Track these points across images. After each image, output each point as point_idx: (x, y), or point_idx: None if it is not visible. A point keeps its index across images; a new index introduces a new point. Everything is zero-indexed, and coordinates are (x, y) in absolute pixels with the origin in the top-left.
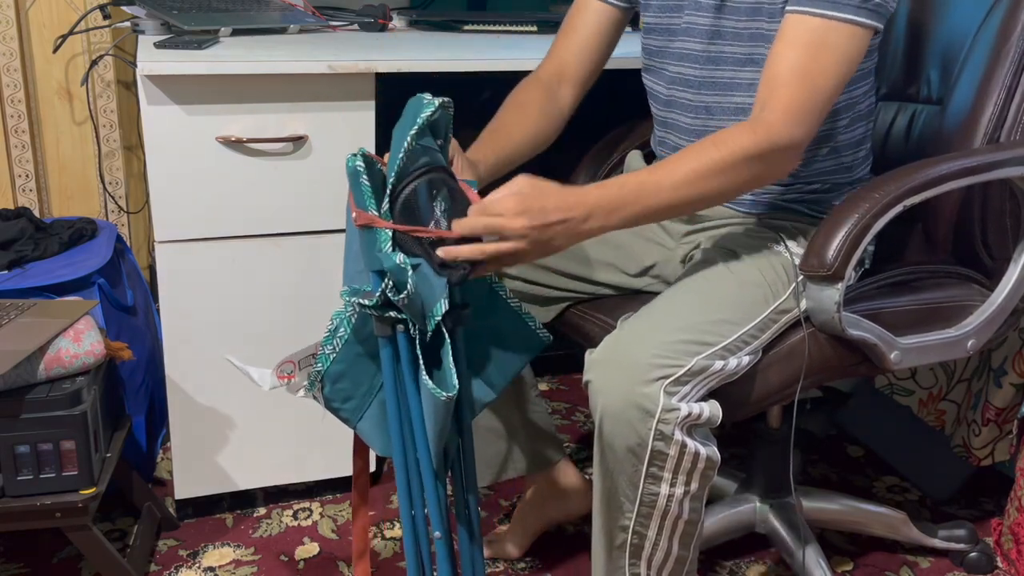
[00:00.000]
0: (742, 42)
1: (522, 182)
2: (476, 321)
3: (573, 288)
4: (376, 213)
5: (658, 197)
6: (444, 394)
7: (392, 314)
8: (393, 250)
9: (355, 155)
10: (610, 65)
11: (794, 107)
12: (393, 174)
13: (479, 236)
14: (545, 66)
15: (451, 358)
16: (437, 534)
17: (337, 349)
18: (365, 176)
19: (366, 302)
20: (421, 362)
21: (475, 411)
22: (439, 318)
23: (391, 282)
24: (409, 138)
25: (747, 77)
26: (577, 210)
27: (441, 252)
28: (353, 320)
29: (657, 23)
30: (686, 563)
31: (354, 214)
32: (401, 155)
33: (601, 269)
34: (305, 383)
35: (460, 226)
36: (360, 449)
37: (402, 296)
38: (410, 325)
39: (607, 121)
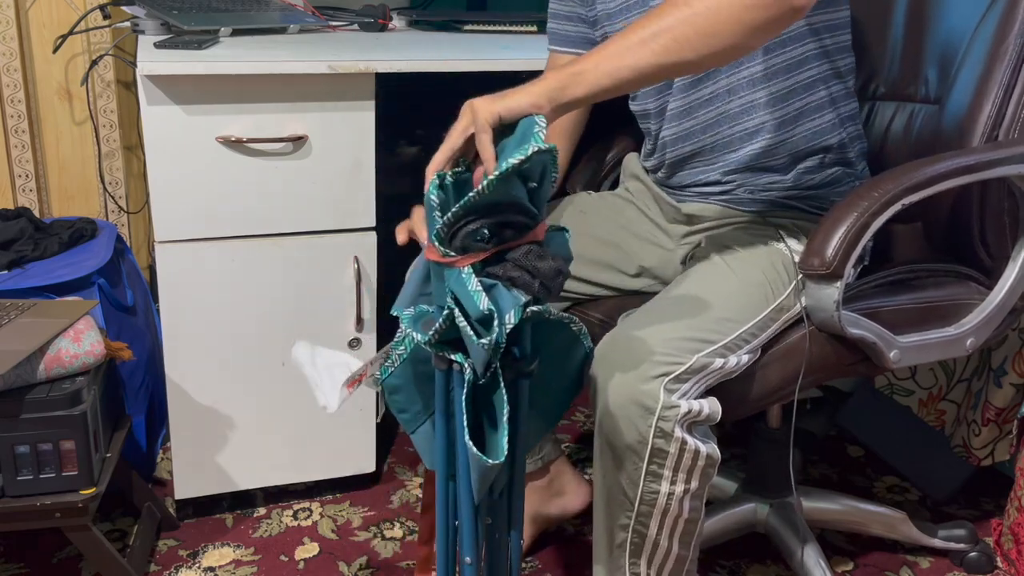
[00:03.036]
0: (722, 75)
1: None
2: (546, 360)
3: (573, 289)
4: (444, 250)
5: (634, 57)
6: (490, 462)
7: (449, 355)
8: (476, 290)
9: (434, 182)
10: None
11: None
12: (459, 207)
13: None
14: None
15: (505, 418)
16: (467, 559)
17: (396, 365)
18: (438, 212)
19: (420, 336)
20: (466, 420)
21: (531, 445)
22: (510, 327)
23: (468, 323)
24: (486, 181)
25: (735, 106)
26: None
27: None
28: (414, 343)
29: (645, 108)
30: (686, 562)
31: (424, 245)
32: (473, 193)
33: (600, 270)
34: (372, 376)
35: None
36: (429, 481)
37: (484, 341)
38: (466, 367)
39: (608, 121)
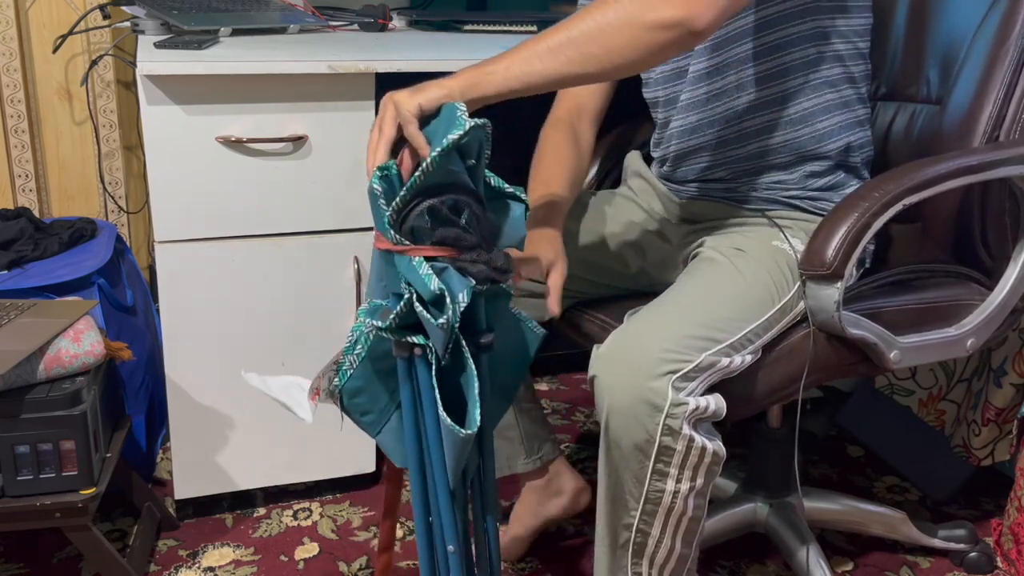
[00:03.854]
0: (731, 71)
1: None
2: (499, 342)
3: (574, 288)
4: (396, 238)
5: (542, 62)
6: (463, 432)
7: (410, 338)
8: (427, 274)
9: (377, 174)
10: None
11: None
12: (405, 191)
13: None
14: (561, 105)
15: (476, 391)
16: (451, 548)
17: (354, 366)
18: (383, 200)
19: (380, 323)
20: (437, 395)
21: (495, 424)
22: (463, 305)
23: (423, 305)
24: (429, 158)
25: (742, 103)
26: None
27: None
28: (371, 337)
29: (656, 97)
30: (688, 561)
31: (375, 234)
32: (417, 173)
33: (602, 270)
34: (328, 391)
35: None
36: (392, 473)
37: (441, 321)
38: (428, 350)
39: (609, 123)
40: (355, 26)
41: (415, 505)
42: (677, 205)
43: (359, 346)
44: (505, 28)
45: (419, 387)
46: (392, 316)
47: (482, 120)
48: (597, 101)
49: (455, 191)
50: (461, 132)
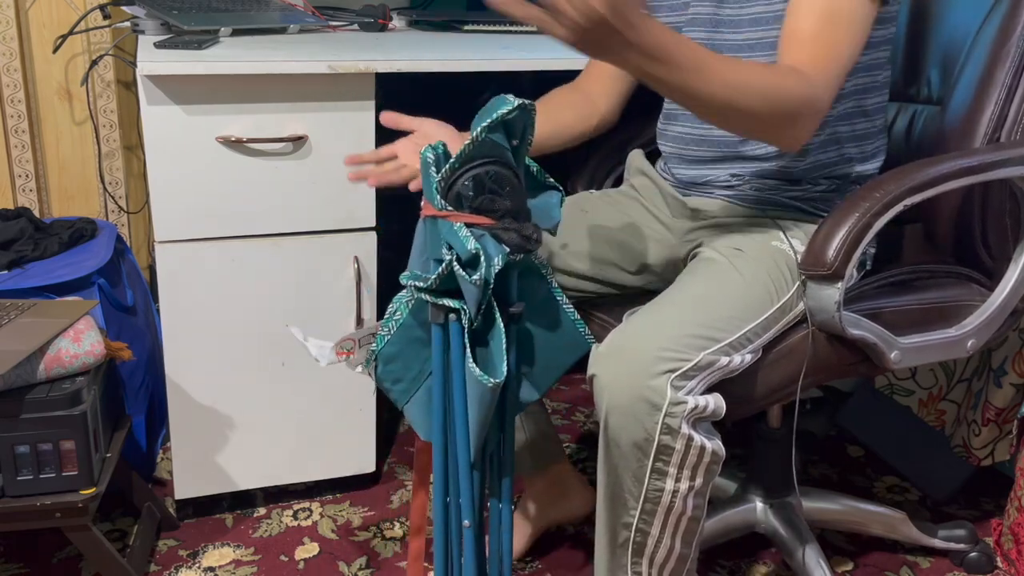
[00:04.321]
0: (741, 28)
1: None
2: (530, 322)
3: (575, 287)
4: (441, 204)
5: (707, 83)
6: (491, 381)
7: (447, 302)
8: (465, 236)
9: (431, 146)
10: None
11: (821, 70)
12: (455, 159)
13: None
14: (583, 75)
15: (503, 346)
16: (466, 523)
17: (392, 331)
18: (434, 168)
19: (420, 284)
20: (468, 349)
21: (519, 408)
22: (498, 267)
23: (461, 266)
24: (479, 129)
25: None
26: (643, 36)
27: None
28: (411, 305)
29: (667, 22)
30: (687, 560)
31: (422, 203)
32: (467, 144)
33: (602, 268)
34: (363, 360)
35: None
36: (423, 445)
37: (476, 278)
38: (463, 314)
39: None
40: (355, 26)
41: (436, 479)
42: (679, 202)
43: (399, 313)
44: (505, 28)
45: (451, 351)
46: (433, 278)
47: (530, 102)
48: (620, 80)
49: (497, 165)
50: (509, 108)
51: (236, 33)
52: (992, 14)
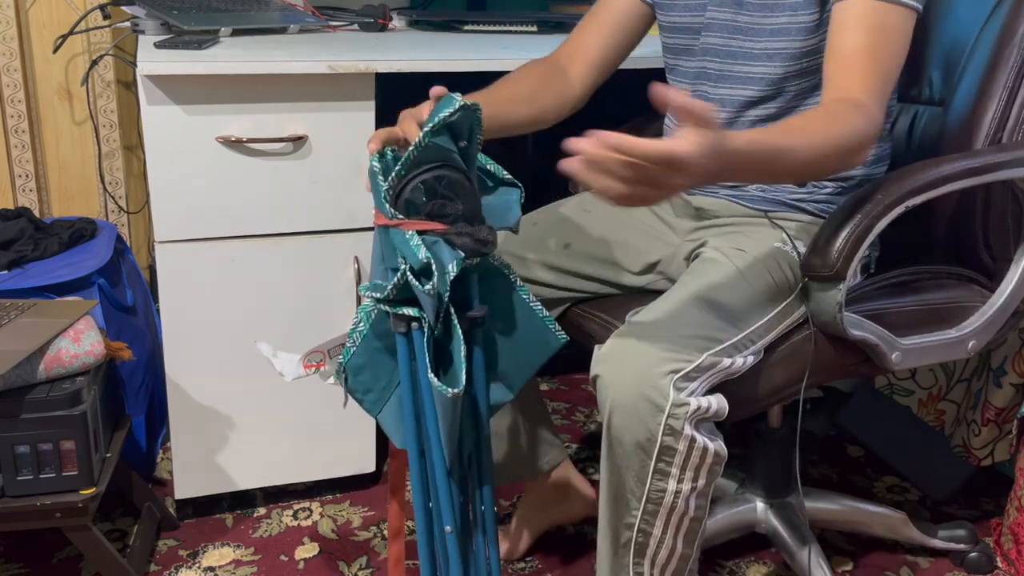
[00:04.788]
0: (760, 37)
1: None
2: (496, 323)
3: (576, 287)
4: (392, 213)
5: (784, 172)
6: (450, 390)
7: (406, 311)
8: (416, 245)
9: (378, 153)
10: (621, 65)
11: (875, 90)
12: (400, 166)
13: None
14: (561, 48)
15: (462, 355)
16: (448, 528)
17: (357, 343)
18: (381, 177)
19: (378, 295)
20: (428, 359)
21: (493, 410)
22: (452, 275)
23: (415, 276)
24: (422, 134)
25: (759, 71)
26: (712, 179)
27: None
28: (373, 315)
29: (682, 22)
30: (689, 561)
31: (374, 212)
32: (411, 149)
33: (604, 268)
34: (333, 372)
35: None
36: (397, 452)
37: (428, 288)
38: (424, 322)
39: (615, 122)
40: (355, 26)
41: (414, 487)
42: (683, 200)
43: (362, 324)
44: (505, 28)
45: (417, 359)
46: (389, 288)
47: (473, 102)
48: (600, 51)
49: (446, 168)
50: (451, 110)
51: (236, 33)
52: (994, 15)
